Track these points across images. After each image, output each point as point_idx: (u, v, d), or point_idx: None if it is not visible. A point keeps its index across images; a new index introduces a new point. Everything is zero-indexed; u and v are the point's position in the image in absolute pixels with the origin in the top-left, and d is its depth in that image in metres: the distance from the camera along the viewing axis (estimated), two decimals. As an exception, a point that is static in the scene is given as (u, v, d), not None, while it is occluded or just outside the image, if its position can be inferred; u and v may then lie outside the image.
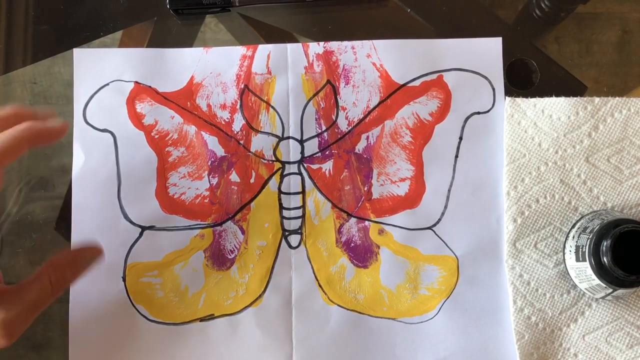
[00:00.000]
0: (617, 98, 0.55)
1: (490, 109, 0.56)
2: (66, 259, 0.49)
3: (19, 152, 0.47)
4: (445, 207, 0.55)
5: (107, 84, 0.56)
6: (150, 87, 0.57)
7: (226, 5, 0.58)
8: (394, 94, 0.57)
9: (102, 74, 0.56)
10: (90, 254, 0.50)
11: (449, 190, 0.56)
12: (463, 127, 0.56)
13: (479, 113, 0.56)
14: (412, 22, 0.58)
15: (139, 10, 0.58)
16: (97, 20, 0.58)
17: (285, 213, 0.56)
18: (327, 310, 0.55)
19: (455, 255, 0.55)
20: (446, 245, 0.55)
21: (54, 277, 0.48)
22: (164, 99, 0.57)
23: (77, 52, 0.57)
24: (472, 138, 0.56)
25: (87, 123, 0.56)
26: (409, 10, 0.58)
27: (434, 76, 0.57)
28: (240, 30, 0.58)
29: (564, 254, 0.54)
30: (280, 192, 0.56)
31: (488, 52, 0.56)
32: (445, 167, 0.56)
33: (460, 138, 0.56)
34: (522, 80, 0.57)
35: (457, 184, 0.56)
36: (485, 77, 0.56)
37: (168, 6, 0.57)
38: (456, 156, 0.56)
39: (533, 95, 0.56)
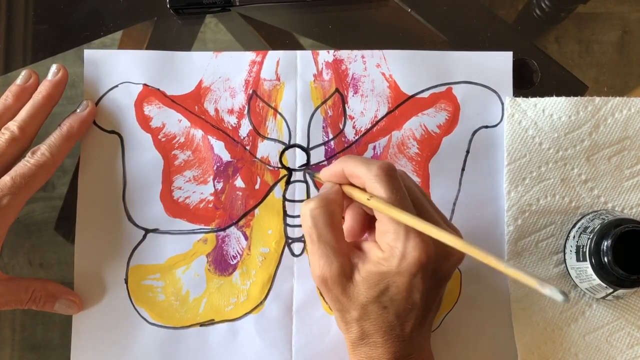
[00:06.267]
0: (617, 98, 0.55)
1: (499, 123, 0.56)
2: (53, 290, 0.53)
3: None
4: (450, 220, 0.55)
5: (116, 86, 0.56)
6: (158, 89, 0.56)
7: (226, 5, 0.57)
8: (402, 105, 0.56)
9: (112, 76, 0.56)
10: (69, 303, 0.54)
11: (454, 204, 0.55)
12: (471, 140, 0.56)
13: (487, 127, 0.56)
14: (413, 22, 0.58)
15: (139, 10, 0.58)
16: (97, 20, 0.58)
17: (290, 220, 0.56)
18: (327, 320, 0.55)
19: (459, 270, 0.55)
20: (450, 258, 0.55)
21: (39, 294, 0.52)
22: (172, 102, 0.56)
23: (87, 52, 0.56)
24: (480, 152, 0.56)
25: (95, 124, 0.56)
26: (409, 10, 0.58)
27: (443, 88, 0.56)
28: (241, 30, 0.58)
29: (564, 254, 0.54)
30: (285, 199, 0.56)
31: (498, 66, 0.56)
32: (451, 180, 0.56)
33: (468, 151, 0.56)
34: (522, 80, 0.57)
35: (463, 198, 0.55)
36: (495, 91, 0.56)
37: (168, 6, 0.57)
38: (463, 169, 0.56)
39: (533, 95, 0.56)
